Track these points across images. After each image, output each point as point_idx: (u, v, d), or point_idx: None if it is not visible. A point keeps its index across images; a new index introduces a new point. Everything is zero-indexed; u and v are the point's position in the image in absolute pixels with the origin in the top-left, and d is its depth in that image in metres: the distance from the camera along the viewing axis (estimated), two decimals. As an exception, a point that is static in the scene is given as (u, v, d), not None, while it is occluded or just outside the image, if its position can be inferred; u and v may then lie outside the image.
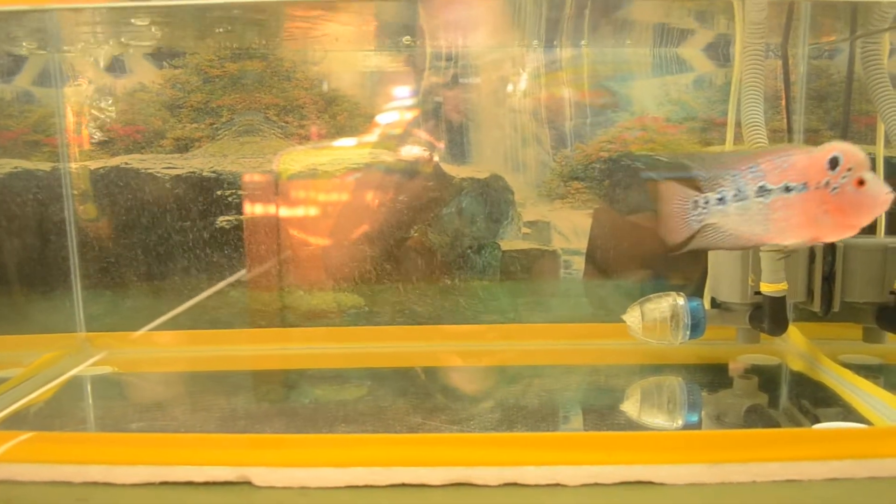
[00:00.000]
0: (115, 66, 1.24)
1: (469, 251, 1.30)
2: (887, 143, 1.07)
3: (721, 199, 0.72)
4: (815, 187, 0.68)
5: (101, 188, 1.25)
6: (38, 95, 1.22)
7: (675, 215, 0.74)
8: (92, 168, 1.25)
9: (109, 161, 1.25)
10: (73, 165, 1.24)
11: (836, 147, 0.68)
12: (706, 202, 0.72)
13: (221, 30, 1.16)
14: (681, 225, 0.74)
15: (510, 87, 1.29)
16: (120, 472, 0.79)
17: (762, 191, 0.70)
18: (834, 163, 0.68)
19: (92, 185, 1.25)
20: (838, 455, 0.80)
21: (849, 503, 0.76)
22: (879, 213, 0.68)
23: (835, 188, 0.68)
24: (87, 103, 1.24)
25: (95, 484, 0.79)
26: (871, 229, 1.13)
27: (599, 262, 1.30)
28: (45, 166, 1.23)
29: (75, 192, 1.25)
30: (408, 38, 1.24)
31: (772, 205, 0.69)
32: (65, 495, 0.77)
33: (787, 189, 0.69)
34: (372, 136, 1.29)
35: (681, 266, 1.28)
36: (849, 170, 0.68)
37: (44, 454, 0.81)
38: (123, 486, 0.79)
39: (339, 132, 1.28)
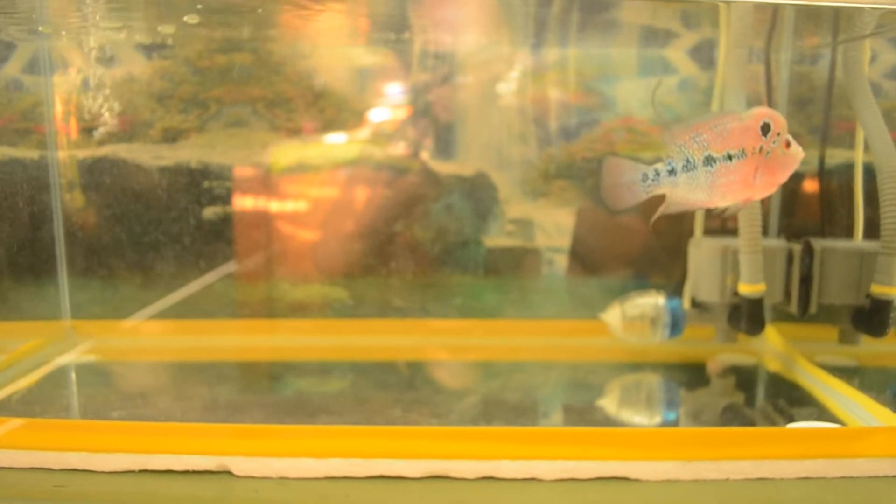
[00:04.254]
0: (105, 56, 1.24)
1: (453, 247, 1.31)
2: (866, 148, 1.09)
3: (672, 171, 0.74)
4: (752, 153, 0.73)
5: (89, 177, 1.25)
6: (26, 83, 1.22)
7: (623, 187, 0.76)
8: (80, 157, 1.25)
9: (97, 150, 1.25)
10: (61, 154, 1.24)
11: (763, 113, 0.73)
12: (657, 174, 0.75)
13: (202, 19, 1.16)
14: (628, 196, 0.76)
15: (497, 86, 1.30)
16: (99, 459, 0.80)
17: (708, 160, 0.73)
18: (766, 129, 0.73)
19: (79, 173, 1.25)
20: (811, 454, 0.82)
21: (820, 502, 0.78)
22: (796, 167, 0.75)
23: (767, 152, 0.73)
24: (76, 92, 1.24)
25: (74, 471, 0.80)
26: (848, 233, 1.14)
27: (582, 260, 1.31)
28: (33, 154, 1.23)
29: (62, 181, 1.25)
30: (397, 34, 1.25)
31: (717, 172, 0.74)
32: (43, 481, 0.78)
33: (729, 157, 0.73)
34: (360, 132, 1.29)
35: (662, 265, 1.29)
36: (778, 134, 0.73)
37: (23, 440, 0.81)
38: (102, 473, 0.80)
39: (327, 127, 1.29)
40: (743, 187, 0.74)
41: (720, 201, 0.75)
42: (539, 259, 1.32)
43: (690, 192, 0.75)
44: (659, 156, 0.76)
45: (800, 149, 0.73)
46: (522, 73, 1.29)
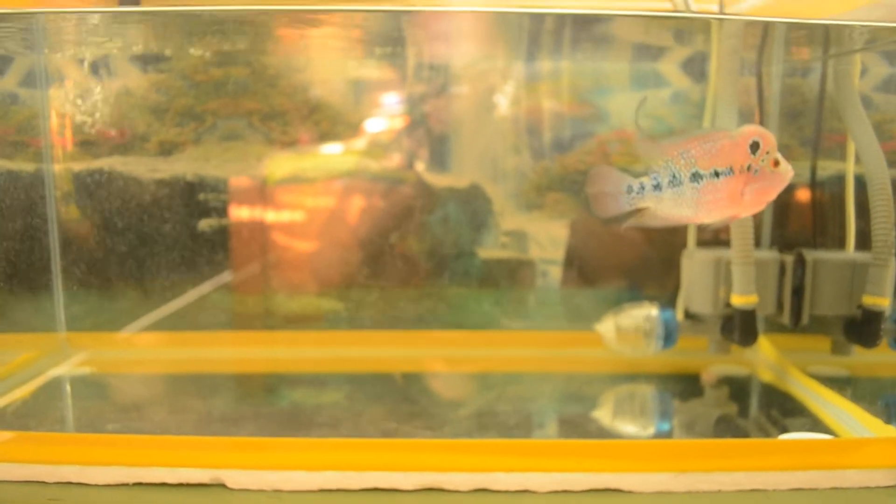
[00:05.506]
0: (101, 70, 1.25)
1: (448, 259, 1.32)
2: (856, 160, 1.09)
3: (657, 186, 0.75)
4: (740, 171, 0.73)
5: (84, 190, 1.26)
6: (22, 96, 1.23)
7: (609, 196, 0.76)
8: (75, 170, 1.26)
9: (93, 163, 1.26)
10: (57, 167, 1.25)
11: (754, 132, 0.73)
12: (641, 187, 0.75)
13: (207, 35, 1.17)
14: (612, 206, 0.77)
15: (491, 99, 1.31)
16: (94, 472, 0.80)
17: (695, 177, 0.73)
18: (755, 147, 0.73)
19: (75, 186, 1.26)
20: (803, 466, 0.82)
21: (812, 513, 0.78)
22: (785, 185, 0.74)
23: (756, 170, 0.73)
24: (72, 105, 1.24)
25: (69, 484, 0.80)
26: (839, 244, 1.15)
27: (576, 272, 1.32)
28: (29, 167, 1.24)
29: (58, 193, 1.25)
30: (392, 48, 1.26)
31: (703, 189, 0.74)
32: (37, 495, 0.78)
33: (717, 174, 0.73)
34: (354, 144, 1.30)
35: (655, 276, 1.30)
36: (767, 153, 0.73)
37: (17, 453, 0.81)
38: (97, 486, 0.80)
39: (322, 139, 1.29)
40: (730, 204, 0.74)
41: (706, 217, 0.75)
42: (533, 271, 1.32)
43: (676, 208, 0.75)
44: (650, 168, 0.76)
45: (789, 167, 0.73)
46: (517, 86, 1.30)
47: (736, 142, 0.73)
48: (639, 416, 1.09)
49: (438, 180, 1.31)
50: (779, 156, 0.73)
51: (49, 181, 1.24)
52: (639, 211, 0.76)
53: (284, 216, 1.31)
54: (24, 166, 1.23)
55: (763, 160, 0.73)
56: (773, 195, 0.74)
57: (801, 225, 1.26)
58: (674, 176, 0.74)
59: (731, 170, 0.73)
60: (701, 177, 0.73)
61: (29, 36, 1.11)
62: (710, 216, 0.75)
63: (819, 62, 1.18)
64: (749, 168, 0.73)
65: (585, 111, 1.30)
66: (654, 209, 0.75)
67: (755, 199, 0.74)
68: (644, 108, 1.22)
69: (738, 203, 0.74)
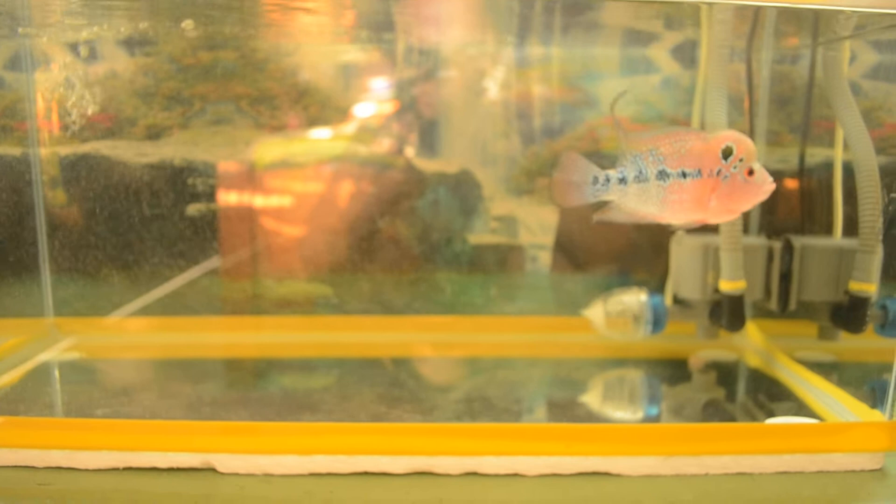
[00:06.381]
0: (87, 53, 1.24)
1: (437, 244, 1.31)
2: (845, 147, 1.10)
3: (622, 180, 0.74)
4: (709, 175, 0.71)
5: (71, 174, 1.25)
6: (8, 80, 1.21)
7: (573, 185, 0.75)
8: (62, 154, 1.25)
9: (80, 147, 1.25)
10: (43, 151, 1.24)
11: (729, 137, 0.72)
12: (607, 179, 0.74)
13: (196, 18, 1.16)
14: (576, 195, 0.75)
15: (481, 84, 1.30)
16: (83, 457, 0.80)
17: (662, 175, 0.72)
18: (727, 152, 0.71)
19: (61, 170, 1.25)
20: (789, 449, 0.83)
21: (798, 496, 0.79)
22: (762, 200, 0.72)
23: (726, 176, 0.71)
24: (58, 89, 1.23)
25: (59, 468, 0.80)
26: (827, 230, 1.16)
27: (565, 257, 1.32)
28: (15, 151, 1.23)
29: (45, 178, 1.24)
30: (381, 32, 1.25)
31: (669, 188, 0.72)
32: (27, 479, 0.78)
33: (684, 175, 0.72)
34: (344, 129, 1.29)
35: (644, 262, 1.30)
36: (740, 160, 0.71)
37: (6, 438, 0.81)
38: (87, 470, 0.80)
39: (311, 124, 1.29)
40: (696, 207, 0.72)
41: (671, 217, 0.74)
42: (523, 256, 1.33)
43: (641, 204, 0.73)
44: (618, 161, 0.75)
45: (767, 178, 0.71)
46: (507, 71, 1.30)
47: (709, 145, 0.71)
48: (627, 400, 1.09)
49: (428, 165, 1.31)
50: (756, 166, 0.71)
51: (35, 165, 1.23)
52: (603, 203, 0.75)
53: (273, 201, 1.31)
54: (10, 150, 1.22)
55: (735, 167, 0.71)
56: (743, 205, 0.72)
57: (790, 211, 1.26)
58: (640, 171, 0.73)
59: (699, 172, 0.71)
60: (668, 175, 0.72)
61: (13, 18, 1.09)
62: (676, 217, 0.74)
63: (808, 49, 1.18)
64: (719, 173, 0.71)
65: (575, 96, 1.30)
66: (619, 203, 0.74)
67: (723, 206, 0.72)
68: (622, 100, 1.22)
69: (705, 207, 0.72)
